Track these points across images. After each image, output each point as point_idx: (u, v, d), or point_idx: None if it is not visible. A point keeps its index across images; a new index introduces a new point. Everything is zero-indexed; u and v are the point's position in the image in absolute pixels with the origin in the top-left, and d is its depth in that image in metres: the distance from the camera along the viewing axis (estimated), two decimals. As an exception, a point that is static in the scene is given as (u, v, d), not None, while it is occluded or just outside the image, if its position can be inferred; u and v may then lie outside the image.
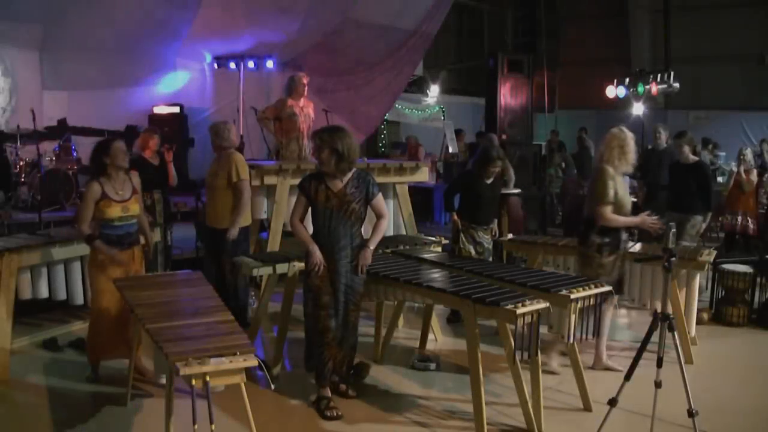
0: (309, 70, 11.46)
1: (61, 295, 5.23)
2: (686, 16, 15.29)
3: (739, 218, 8.22)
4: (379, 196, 4.26)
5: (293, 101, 6.93)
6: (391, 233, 6.35)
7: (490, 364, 4.68)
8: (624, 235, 4.68)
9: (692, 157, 6.49)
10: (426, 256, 5.00)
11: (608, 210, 4.49)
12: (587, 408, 4.22)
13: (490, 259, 6.05)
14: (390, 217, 6.41)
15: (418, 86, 16.38)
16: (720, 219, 9.05)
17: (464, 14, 19.07)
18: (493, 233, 6.11)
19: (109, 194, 4.41)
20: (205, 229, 5.68)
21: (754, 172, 8.35)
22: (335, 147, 4.04)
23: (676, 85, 10.81)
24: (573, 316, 3.86)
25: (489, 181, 5.97)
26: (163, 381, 4.18)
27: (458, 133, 12.60)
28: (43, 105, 9.03)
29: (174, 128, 9.29)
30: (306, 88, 7.00)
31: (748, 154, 8.41)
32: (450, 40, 19.04)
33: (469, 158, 8.27)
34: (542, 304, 3.62)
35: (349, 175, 4.16)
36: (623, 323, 6.37)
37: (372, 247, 4.22)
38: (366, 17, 10.75)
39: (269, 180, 5.83)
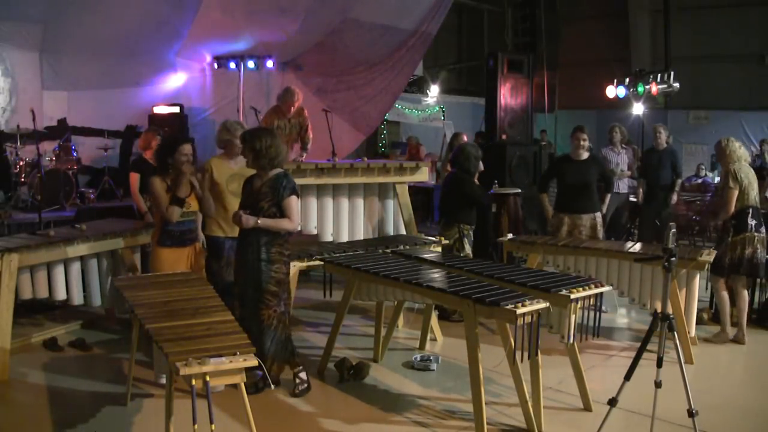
0: (309, 69, 11.48)
1: (61, 295, 5.24)
2: (686, 16, 15.28)
3: None
4: (290, 199, 4.28)
5: (279, 114, 7.05)
6: (391, 233, 6.36)
7: (489, 364, 4.67)
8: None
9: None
10: (426, 256, 5.00)
11: None
12: (587, 408, 4.22)
13: None
14: (390, 216, 6.43)
15: (418, 86, 16.39)
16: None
17: (464, 14, 19.07)
18: None
19: (173, 189, 4.59)
20: (218, 241, 5.08)
21: None
22: (253, 145, 4.26)
23: (676, 85, 10.81)
24: (573, 316, 3.86)
25: (477, 181, 6.11)
26: (164, 381, 4.18)
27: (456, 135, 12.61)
28: (43, 105, 9.01)
29: (174, 128, 9.26)
30: (293, 103, 7.08)
31: None
32: (450, 39, 19.04)
33: None
34: (542, 304, 3.62)
35: (270, 175, 4.31)
36: (623, 323, 6.38)
37: (260, 222, 4.22)
38: (366, 17, 10.73)
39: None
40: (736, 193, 5.57)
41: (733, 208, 5.61)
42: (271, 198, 4.27)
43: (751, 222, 5.57)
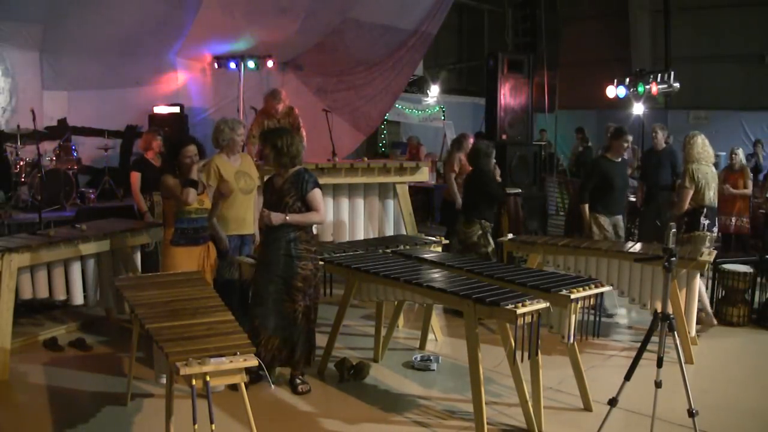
0: (309, 69, 11.47)
1: (61, 295, 5.24)
2: (686, 16, 15.27)
3: (734, 219, 8.21)
4: (314, 192, 4.39)
5: (267, 115, 7.03)
6: (391, 233, 6.36)
7: (490, 364, 4.67)
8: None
9: None
10: (426, 255, 5.00)
11: None
12: (587, 408, 4.22)
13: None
14: (390, 216, 6.44)
15: (418, 86, 16.38)
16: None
17: (464, 14, 19.08)
18: None
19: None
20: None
21: (747, 171, 8.34)
22: (275, 143, 4.36)
23: (677, 85, 10.78)
24: (573, 316, 3.86)
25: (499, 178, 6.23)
26: (164, 381, 4.18)
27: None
28: (43, 105, 9.01)
29: (174, 128, 9.26)
30: (275, 105, 7.05)
31: (740, 153, 8.39)
32: (450, 39, 19.05)
33: None
34: (542, 304, 3.62)
35: (291, 172, 4.40)
36: (623, 323, 6.37)
37: (288, 218, 4.30)
38: (366, 17, 10.73)
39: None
40: (690, 192, 5.77)
41: (685, 207, 5.81)
42: (294, 193, 4.35)
43: (704, 221, 5.78)
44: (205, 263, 4.72)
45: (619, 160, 6.34)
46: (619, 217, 6.32)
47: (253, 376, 4.42)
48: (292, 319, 4.38)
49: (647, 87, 10.56)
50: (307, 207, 4.37)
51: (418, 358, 5.04)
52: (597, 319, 4.11)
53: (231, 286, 5.11)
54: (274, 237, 4.35)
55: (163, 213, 4.79)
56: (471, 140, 8.27)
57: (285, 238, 4.34)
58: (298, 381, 4.48)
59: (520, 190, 8.25)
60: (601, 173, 6.27)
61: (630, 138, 6.42)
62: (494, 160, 6.38)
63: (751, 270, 6.23)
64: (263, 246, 4.47)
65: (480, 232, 6.20)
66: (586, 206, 6.26)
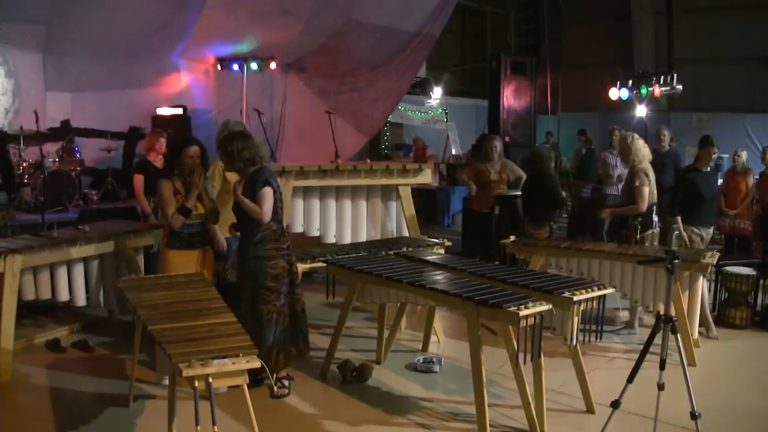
0: (312, 71, 11.50)
1: (64, 296, 5.24)
2: (689, 18, 15.28)
3: (736, 221, 8.19)
4: (263, 191, 4.29)
5: None
6: (393, 235, 6.36)
7: (492, 366, 4.67)
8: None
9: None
10: (429, 258, 5.00)
11: None
12: (590, 410, 4.21)
13: None
14: (393, 218, 6.43)
15: (421, 88, 16.40)
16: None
17: (467, 16, 19.11)
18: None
19: (180, 191, 4.58)
20: (226, 242, 5.09)
21: (750, 174, 8.32)
22: (225, 149, 4.37)
23: (679, 87, 10.78)
24: (576, 318, 3.86)
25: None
26: (166, 382, 4.18)
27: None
28: (46, 106, 9.04)
29: (177, 130, 9.27)
30: None
31: (743, 155, 8.37)
32: (453, 41, 19.08)
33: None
34: (545, 306, 3.62)
35: (249, 174, 4.38)
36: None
37: (239, 192, 4.27)
38: (369, 19, 10.75)
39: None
40: (647, 189, 5.77)
41: (646, 206, 5.78)
42: (250, 193, 4.33)
43: (655, 219, 5.83)
44: (202, 267, 4.71)
45: (707, 169, 6.30)
46: (711, 229, 6.28)
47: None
48: (266, 321, 4.31)
49: (650, 89, 10.56)
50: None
51: (421, 360, 5.04)
52: (600, 319, 4.10)
53: (233, 288, 5.11)
54: (244, 240, 4.38)
55: (156, 215, 4.75)
56: (498, 142, 8.09)
57: (252, 240, 4.34)
58: (278, 385, 4.42)
59: (521, 192, 8.21)
60: (683, 185, 6.28)
61: (716, 150, 6.35)
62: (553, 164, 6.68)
63: (754, 272, 6.21)
64: (237, 248, 4.47)
65: (547, 234, 6.40)
66: (679, 218, 6.09)
